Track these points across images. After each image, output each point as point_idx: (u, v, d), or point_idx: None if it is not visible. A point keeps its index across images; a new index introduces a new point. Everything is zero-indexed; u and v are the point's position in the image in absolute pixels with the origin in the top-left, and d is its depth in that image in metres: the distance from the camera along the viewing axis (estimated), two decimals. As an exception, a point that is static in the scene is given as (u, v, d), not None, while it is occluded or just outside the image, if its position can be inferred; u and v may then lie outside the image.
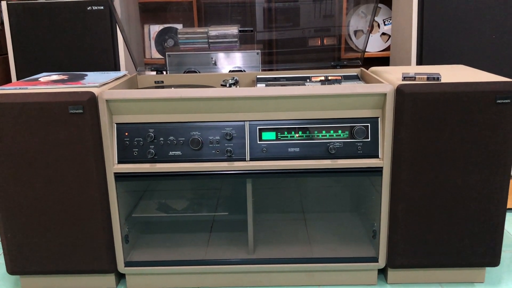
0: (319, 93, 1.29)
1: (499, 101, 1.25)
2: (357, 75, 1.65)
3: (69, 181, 1.32)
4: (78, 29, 1.82)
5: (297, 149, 1.34)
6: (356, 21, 2.26)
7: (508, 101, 1.25)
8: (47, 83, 1.40)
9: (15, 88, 1.34)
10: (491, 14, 1.76)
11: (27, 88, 1.34)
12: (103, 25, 1.81)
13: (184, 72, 1.80)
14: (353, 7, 2.22)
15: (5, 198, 1.34)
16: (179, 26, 2.38)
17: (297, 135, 1.34)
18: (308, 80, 1.58)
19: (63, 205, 1.34)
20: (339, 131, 1.33)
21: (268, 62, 1.94)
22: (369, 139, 1.33)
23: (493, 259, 1.38)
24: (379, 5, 2.25)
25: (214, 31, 1.78)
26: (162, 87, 1.65)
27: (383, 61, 2.30)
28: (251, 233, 1.46)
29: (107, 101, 1.30)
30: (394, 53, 2.09)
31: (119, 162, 1.35)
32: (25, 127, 1.29)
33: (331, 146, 1.33)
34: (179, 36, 1.83)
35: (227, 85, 1.56)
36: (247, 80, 1.68)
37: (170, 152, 1.34)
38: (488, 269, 1.49)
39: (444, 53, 1.80)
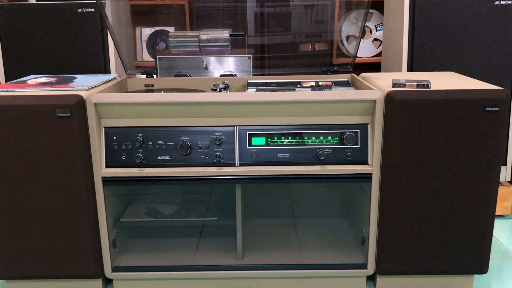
0: (309, 99, 1.29)
1: (488, 109, 1.26)
2: (347, 81, 1.65)
3: (56, 185, 1.31)
4: (68, 31, 1.80)
5: (287, 155, 1.34)
6: (348, 27, 2.26)
7: (497, 109, 1.25)
8: (35, 85, 1.39)
9: (2, 90, 1.32)
10: (481, 22, 1.77)
11: (14, 91, 1.32)
12: (93, 27, 1.80)
13: (175, 76, 1.79)
14: (344, 13, 2.22)
15: (-10, 201, 1.32)
16: (171, 29, 2.37)
17: (286, 140, 1.33)
18: (299, 86, 1.58)
19: (50, 209, 1.33)
20: (329, 137, 1.33)
21: (260, 66, 1.93)
22: (358, 146, 1.33)
23: (481, 267, 1.38)
24: (371, 10, 2.26)
25: (205, 34, 1.77)
26: (152, 90, 1.63)
27: (375, 66, 2.31)
28: (240, 238, 1.45)
29: (95, 104, 1.28)
30: (386, 59, 2.09)
31: (107, 166, 1.33)
32: (12, 130, 1.27)
33: (320, 152, 1.32)
34: (170, 39, 1.82)
35: (218, 90, 1.55)
36: (238, 84, 1.67)
37: (159, 157, 1.33)
38: (476, 276, 1.49)
39: (435, 60, 1.80)
